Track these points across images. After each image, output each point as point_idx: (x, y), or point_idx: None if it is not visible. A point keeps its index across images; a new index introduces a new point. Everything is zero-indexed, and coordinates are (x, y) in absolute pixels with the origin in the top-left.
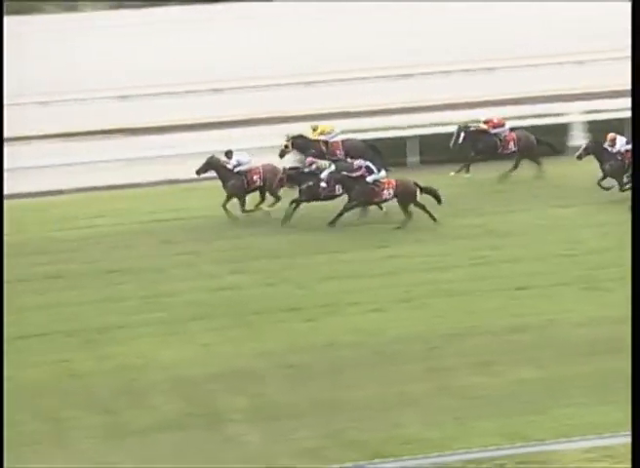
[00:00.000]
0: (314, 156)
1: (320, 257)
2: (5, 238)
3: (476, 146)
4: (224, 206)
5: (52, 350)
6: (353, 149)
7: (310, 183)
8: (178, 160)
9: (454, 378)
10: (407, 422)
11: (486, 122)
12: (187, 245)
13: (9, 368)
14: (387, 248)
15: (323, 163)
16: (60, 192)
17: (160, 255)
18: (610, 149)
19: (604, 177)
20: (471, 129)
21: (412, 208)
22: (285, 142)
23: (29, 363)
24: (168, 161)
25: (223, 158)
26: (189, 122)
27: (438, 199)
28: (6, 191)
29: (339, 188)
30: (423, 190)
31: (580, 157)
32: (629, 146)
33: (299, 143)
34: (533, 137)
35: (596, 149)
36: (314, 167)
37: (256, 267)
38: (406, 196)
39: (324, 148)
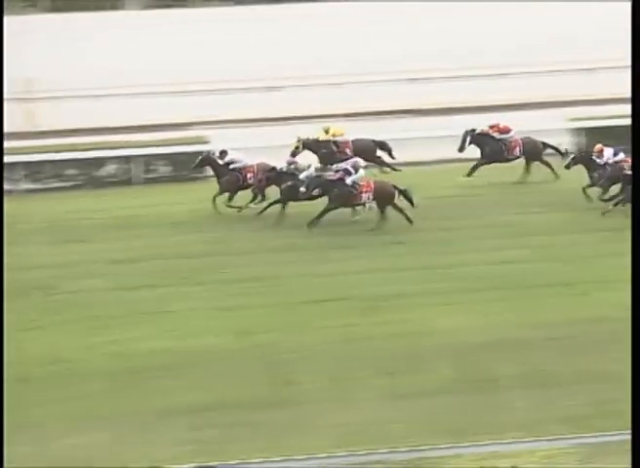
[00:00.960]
0: (325, 155)
1: (597, 235)
2: None
3: (484, 151)
4: (214, 200)
5: (337, 315)
6: (362, 148)
7: (290, 184)
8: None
9: None
10: None
11: (491, 127)
12: (467, 219)
13: (295, 330)
14: None
15: (303, 164)
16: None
17: (446, 229)
18: (597, 160)
19: (591, 185)
20: (477, 133)
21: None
22: (296, 143)
23: (316, 326)
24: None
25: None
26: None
27: (411, 202)
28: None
29: (319, 190)
30: (401, 193)
31: (568, 166)
32: (618, 158)
33: (310, 144)
34: (539, 142)
35: (584, 159)
36: (293, 167)
37: (533, 243)
38: (383, 198)
39: (334, 148)
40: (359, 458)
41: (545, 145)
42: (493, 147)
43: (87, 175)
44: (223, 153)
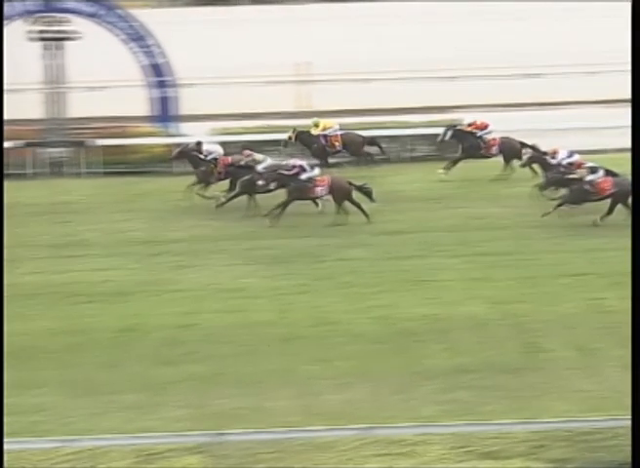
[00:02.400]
0: (316, 148)
1: None
2: None
3: (462, 146)
4: (196, 192)
5: (586, 289)
6: (351, 142)
7: (248, 177)
8: None
9: None
10: None
11: (469, 124)
12: None
13: (545, 301)
14: None
15: (259, 156)
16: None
17: None
18: (551, 161)
19: (546, 187)
20: (458, 129)
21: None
22: (290, 135)
23: (565, 298)
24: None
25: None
26: None
27: (370, 197)
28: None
29: (275, 184)
30: (358, 188)
31: (523, 165)
32: (573, 159)
33: (302, 137)
34: (516, 141)
35: (539, 159)
36: (250, 159)
37: None
38: (340, 193)
39: (323, 141)
40: (602, 424)
41: (523, 145)
42: (471, 144)
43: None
44: (199, 145)
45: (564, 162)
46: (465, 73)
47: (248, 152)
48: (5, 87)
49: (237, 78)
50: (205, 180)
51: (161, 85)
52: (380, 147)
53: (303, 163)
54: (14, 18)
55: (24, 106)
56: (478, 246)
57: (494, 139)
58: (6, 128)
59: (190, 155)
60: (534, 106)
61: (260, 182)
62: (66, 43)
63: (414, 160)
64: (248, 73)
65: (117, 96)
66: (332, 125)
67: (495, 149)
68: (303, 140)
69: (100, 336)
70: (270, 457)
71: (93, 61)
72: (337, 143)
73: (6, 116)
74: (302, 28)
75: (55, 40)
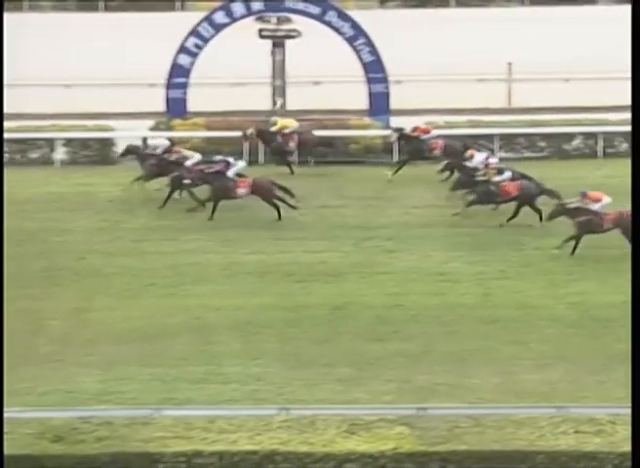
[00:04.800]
0: (275, 146)
1: None
2: None
3: (407, 149)
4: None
5: None
6: (306, 142)
7: (177, 174)
8: None
9: None
10: None
11: (414, 129)
12: None
13: None
14: None
15: (189, 153)
16: None
17: None
18: (467, 164)
19: (456, 188)
20: (404, 133)
21: None
22: (251, 131)
23: None
24: None
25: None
26: None
27: (290, 195)
28: None
29: (200, 181)
30: (279, 188)
31: (442, 171)
32: (492, 160)
33: (262, 133)
34: (459, 144)
35: (455, 165)
36: (180, 156)
37: None
38: (264, 192)
39: (280, 139)
40: None
41: (466, 147)
42: (416, 147)
43: (556, 147)
44: (145, 141)
45: (481, 164)
46: None
47: (177, 149)
48: (229, 80)
49: (444, 75)
50: (149, 174)
51: (375, 81)
52: (332, 147)
53: (230, 160)
54: (244, 17)
55: (248, 99)
56: None
57: (436, 142)
58: (230, 118)
59: (138, 151)
60: None
61: (187, 181)
62: (290, 41)
63: (611, 156)
64: (453, 71)
65: (335, 90)
66: (290, 123)
67: (438, 151)
68: (262, 136)
69: (315, 313)
70: (469, 431)
71: (313, 58)
72: (291, 143)
73: (229, 108)
74: (505, 29)
75: (279, 38)
